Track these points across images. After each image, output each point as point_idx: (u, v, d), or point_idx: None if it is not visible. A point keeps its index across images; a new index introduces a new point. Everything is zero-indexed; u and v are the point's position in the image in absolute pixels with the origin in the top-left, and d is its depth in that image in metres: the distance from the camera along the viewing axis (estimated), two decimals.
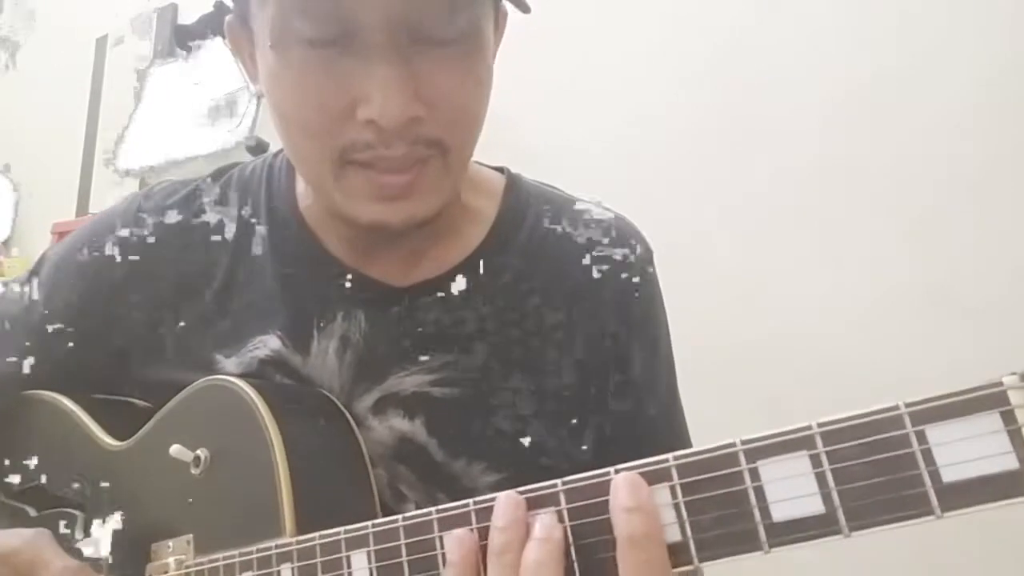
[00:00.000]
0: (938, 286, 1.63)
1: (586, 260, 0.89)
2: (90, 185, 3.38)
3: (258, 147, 2.61)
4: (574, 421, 0.87)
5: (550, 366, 0.86)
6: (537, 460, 0.84)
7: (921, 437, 0.42)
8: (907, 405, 0.43)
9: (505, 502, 0.56)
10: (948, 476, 0.41)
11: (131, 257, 0.89)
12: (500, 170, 0.94)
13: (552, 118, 2.10)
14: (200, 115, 2.82)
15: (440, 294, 0.85)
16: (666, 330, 0.94)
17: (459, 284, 0.85)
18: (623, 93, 2.10)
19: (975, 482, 0.40)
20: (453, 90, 0.71)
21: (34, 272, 0.94)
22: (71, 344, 0.90)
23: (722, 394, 1.64)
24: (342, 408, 0.82)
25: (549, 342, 0.86)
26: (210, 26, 2.82)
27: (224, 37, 0.83)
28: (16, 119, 3.65)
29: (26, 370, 0.91)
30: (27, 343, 0.91)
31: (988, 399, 0.41)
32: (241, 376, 0.80)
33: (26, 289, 0.93)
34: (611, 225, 0.92)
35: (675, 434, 0.94)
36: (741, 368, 1.81)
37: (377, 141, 0.70)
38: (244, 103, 2.73)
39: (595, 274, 0.88)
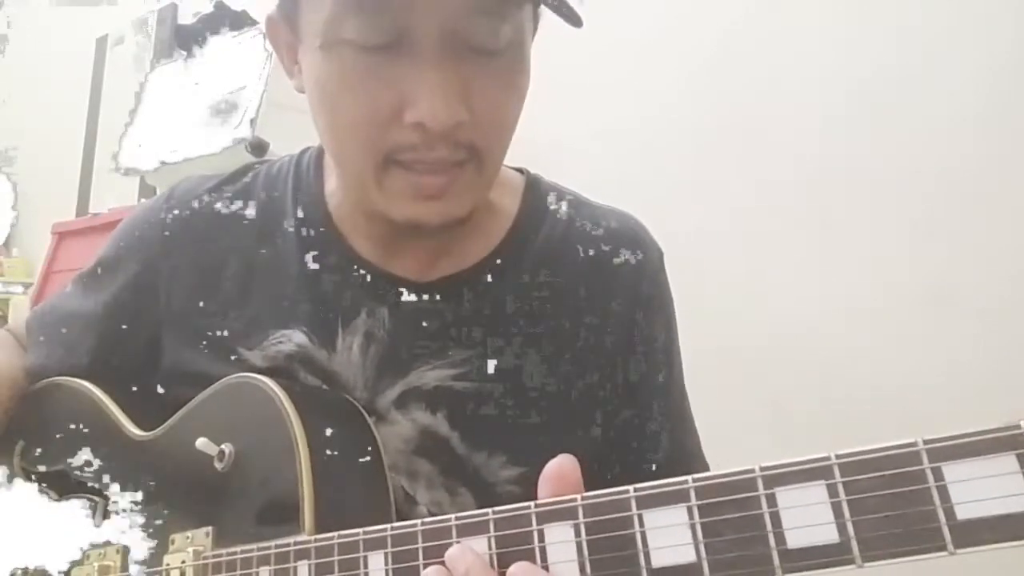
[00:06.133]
0: (938, 286, 1.64)
1: (602, 259, 0.91)
2: (90, 185, 3.37)
3: (258, 147, 2.60)
4: (592, 414, 0.89)
5: (569, 360, 0.88)
6: (556, 453, 0.86)
7: (938, 473, 0.43)
8: (925, 442, 0.44)
9: (454, 554, 0.59)
10: (963, 513, 0.42)
11: (158, 252, 0.93)
12: (520, 171, 0.97)
13: (551, 118, 2.09)
14: (200, 115, 2.81)
15: (462, 289, 0.87)
16: (676, 329, 0.97)
17: (480, 279, 0.87)
18: (622, 93, 2.10)
19: (989, 521, 0.41)
20: (497, 100, 0.75)
21: (83, 276, 1.00)
22: (106, 339, 0.94)
23: (723, 394, 1.64)
24: (365, 414, 0.84)
25: (567, 337, 0.88)
26: (210, 26, 2.81)
27: (245, 27, 0.85)
28: (16, 119, 3.64)
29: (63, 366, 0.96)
30: (74, 339, 0.96)
31: (1006, 440, 0.41)
32: (268, 372, 0.83)
33: (81, 288, 0.99)
34: (625, 226, 0.95)
35: (686, 429, 0.97)
36: (742, 368, 1.82)
37: (422, 143, 0.73)
38: (244, 103, 2.72)
39: (611, 272, 0.91)
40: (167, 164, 2.83)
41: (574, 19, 0.74)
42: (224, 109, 2.74)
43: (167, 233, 0.93)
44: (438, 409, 0.85)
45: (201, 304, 0.90)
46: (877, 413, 1.59)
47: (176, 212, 0.94)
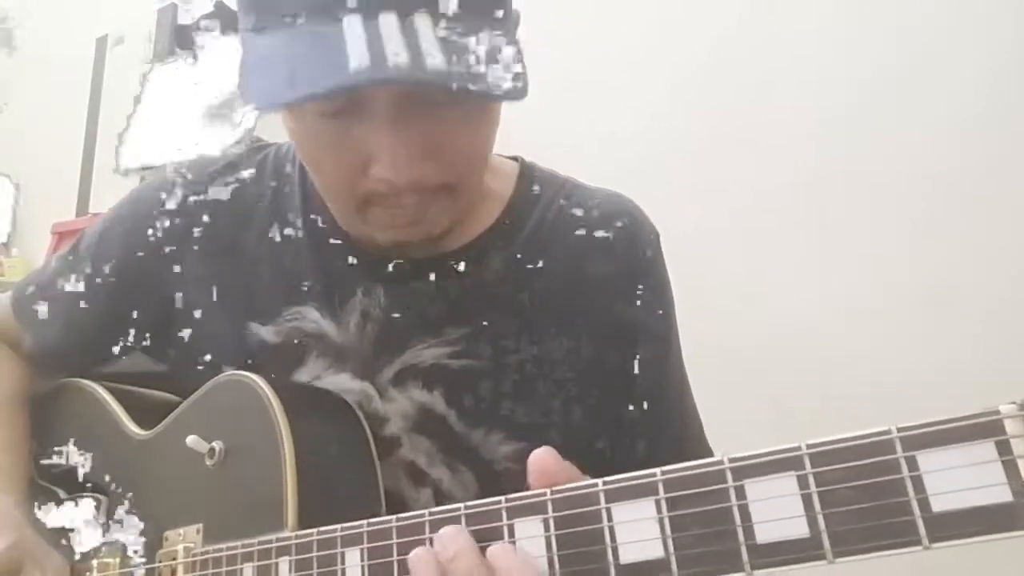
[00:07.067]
0: (938, 286, 1.63)
1: (597, 238, 0.91)
2: (90, 185, 3.38)
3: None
4: (590, 393, 0.89)
5: (563, 339, 0.88)
6: (552, 429, 0.86)
7: (912, 463, 0.41)
8: (899, 429, 0.41)
9: (449, 535, 0.58)
10: (938, 505, 0.40)
11: (169, 225, 0.93)
12: (515, 158, 0.98)
13: (549, 119, 2.09)
14: (200, 115, 2.81)
15: (456, 268, 0.87)
16: (673, 309, 0.96)
17: (474, 259, 0.88)
18: (622, 94, 2.10)
19: (966, 513, 0.39)
20: (463, 141, 0.76)
21: (75, 247, 1.00)
22: (111, 317, 0.95)
23: (723, 393, 1.62)
24: (356, 409, 0.84)
25: (561, 316, 0.88)
26: (210, 26, 2.81)
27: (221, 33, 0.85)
28: (16, 119, 3.64)
29: (69, 342, 0.97)
30: (70, 316, 0.96)
31: (983, 427, 0.39)
32: (280, 348, 0.87)
33: (68, 263, 0.99)
34: (621, 209, 0.94)
35: (687, 413, 0.96)
36: (742, 367, 1.81)
37: (391, 193, 0.75)
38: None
39: (606, 251, 0.91)
40: (166, 164, 2.82)
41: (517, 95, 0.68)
42: (223, 110, 2.73)
43: (177, 210, 0.94)
44: (435, 387, 0.86)
45: (214, 283, 0.91)
46: (877, 412, 1.56)
47: (186, 192, 0.94)
